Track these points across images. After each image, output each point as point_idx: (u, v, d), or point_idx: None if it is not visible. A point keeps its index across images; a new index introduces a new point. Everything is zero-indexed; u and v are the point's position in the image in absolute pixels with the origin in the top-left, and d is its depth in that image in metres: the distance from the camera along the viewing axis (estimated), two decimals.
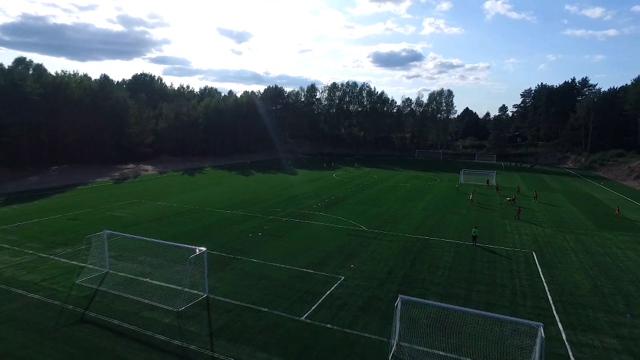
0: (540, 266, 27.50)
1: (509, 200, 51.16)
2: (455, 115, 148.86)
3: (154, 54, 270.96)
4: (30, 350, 16.54)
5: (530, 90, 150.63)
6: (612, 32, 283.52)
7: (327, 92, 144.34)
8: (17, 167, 71.83)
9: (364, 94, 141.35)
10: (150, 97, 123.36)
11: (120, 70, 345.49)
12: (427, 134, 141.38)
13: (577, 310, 20.97)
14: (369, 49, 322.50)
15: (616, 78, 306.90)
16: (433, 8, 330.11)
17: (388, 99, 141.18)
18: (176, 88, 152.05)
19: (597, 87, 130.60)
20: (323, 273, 25.47)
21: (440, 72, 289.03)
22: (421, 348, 16.95)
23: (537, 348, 14.32)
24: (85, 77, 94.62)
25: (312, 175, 77.46)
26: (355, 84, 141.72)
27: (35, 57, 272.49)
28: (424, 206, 48.05)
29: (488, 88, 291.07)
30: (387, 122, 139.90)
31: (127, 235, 25.95)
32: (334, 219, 40.10)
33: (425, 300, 17.28)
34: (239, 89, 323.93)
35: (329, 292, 22.60)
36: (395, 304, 16.81)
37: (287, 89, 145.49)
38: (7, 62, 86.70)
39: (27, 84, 74.60)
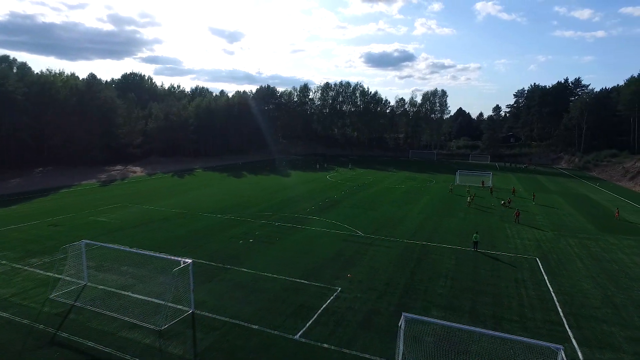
0: (545, 274, 26.19)
1: (504, 203, 49.97)
2: (448, 116, 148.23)
3: (145, 53, 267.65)
4: None
5: (523, 90, 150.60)
6: (600, 33, 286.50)
7: (320, 92, 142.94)
8: None
9: (358, 94, 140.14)
10: (139, 97, 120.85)
11: (111, 70, 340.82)
12: (421, 135, 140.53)
13: (591, 324, 19.63)
14: (361, 49, 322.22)
15: (605, 79, 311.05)
16: (425, 9, 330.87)
17: (382, 99, 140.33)
18: (167, 88, 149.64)
19: (589, 87, 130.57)
20: (318, 284, 23.88)
21: (432, 73, 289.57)
22: None
23: None
24: (72, 77, 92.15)
25: (305, 176, 75.83)
26: (348, 84, 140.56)
27: (24, 57, 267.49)
28: (420, 209, 46.69)
29: (479, 88, 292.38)
30: (381, 122, 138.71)
31: (106, 245, 24.10)
32: (328, 224, 38.54)
33: (431, 319, 15.81)
34: (231, 89, 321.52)
35: (324, 305, 21.01)
36: (399, 323, 15.28)
37: (280, 89, 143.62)
38: None
39: (9, 82, 72.00)
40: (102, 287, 22.86)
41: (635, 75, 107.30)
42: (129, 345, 16.98)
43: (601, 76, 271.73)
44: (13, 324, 18.59)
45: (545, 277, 25.60)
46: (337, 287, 23.39)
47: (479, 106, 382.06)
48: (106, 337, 17.55)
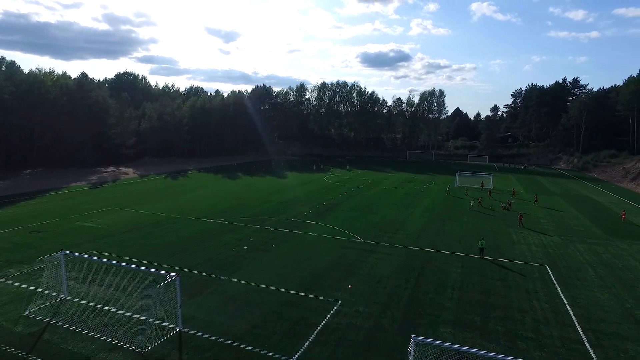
0: (557, 284, 24.70)
1: (503, 206, 48.50)
2: (445, 116, 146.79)
3: (140, 53, 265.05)
4: None
5: (520, 90, 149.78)
6: (594, 34, 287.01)
7: (316, 91, 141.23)
8: None
9: (354, 94, 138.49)
10: (133, 97, 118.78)
11: (106, 70, 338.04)
12: (419, 135, 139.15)
13: (613, 342, 18.12)
14: (358, 49, 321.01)
15: (599, 79, 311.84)
16: (420, 9, 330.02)
17: (379, 99, 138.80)
18: (161, 87, 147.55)
19: (588, 87, 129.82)
20: (317, 296, 22.24)
21: (427, 73, 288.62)
22: None
23: None
24: (63, 76, 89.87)
25: (302, 178, 74.17)
26: (345, 83, 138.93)
27: (18, 56, 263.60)
28: (421, 212, 45.17)
29: (475, 89, 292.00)
30: (378, 122, 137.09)
31: (86, 256, 22.28)
32: (326, 229, 36.90)
33: (444, 343, 14.19)
34: (227, 89, 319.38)
35: (324, 322, 19.37)
36: (408, 349, 13.67)
37: (276, 89, 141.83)
38: None
39: None
40: (82, 301, 21.10)
41: (634, 75, 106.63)
42: None
43: (595, 76, 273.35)
44: None
45: (558, 288, 24.09)
46: (337, 300, 21.76)
47: (474, 106, 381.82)
48: None
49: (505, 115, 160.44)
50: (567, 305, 21.66)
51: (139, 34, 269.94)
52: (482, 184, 65.56)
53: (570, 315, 20.50)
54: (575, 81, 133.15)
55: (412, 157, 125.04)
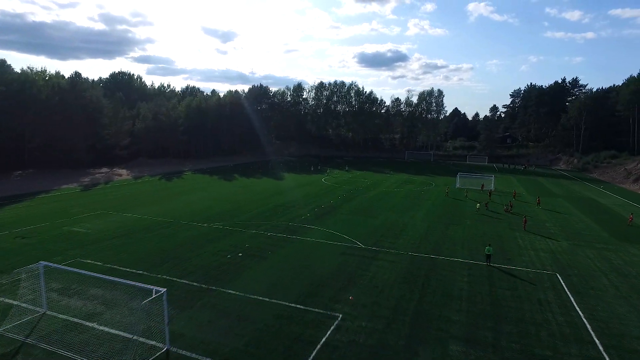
0: (571, 294, 23.33)
1: (506, 208, 47.11)
2: (442, 116, 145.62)
3: (137, 53, 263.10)
4: None
5: (519, 90, 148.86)
6: (590, 34, 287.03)
7: (314, 91, 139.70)
8: None
9: (352, 94, 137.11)
10: (128, 97, 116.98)
11: (102, 70, 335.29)
12: (417, 135, 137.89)
13: None
14: (355, 50, 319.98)
15: (594, 80, 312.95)
16: (418, 9, 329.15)
17: (377, 98, 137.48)
18: (157, 87, 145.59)
19: (587, 87, 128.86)
20: (316, 309, 20.77)
21: (425, 73, 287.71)
22: None
23: None
24: (55, 75, 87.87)
25: (299, 179, 72.68)
26: (343, 83, 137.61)
27: (14, 56, 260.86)
28: (423, 216, 43.78)
29: (472, 89, 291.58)
30: (376, 122, 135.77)
31: (66, 268, 20.70)
32: (325, 234, 35.43)
33: None
34: (224, 89, 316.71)
35: (324, 339, 17.90)
36: None
37: (273, 89, 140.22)
38: None
39: None
40: (63, 316, 19.54)
41: (632, 75, 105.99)
42: None
43: (591, 77, 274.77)
44: None
45: (572, 298, 22.73)
46: (337, 314, 20.29)
47: (471, 106, 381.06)
48: None
49: (503, 115, 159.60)
50: (584, 319, 20.28)
51: (135, 33, 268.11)
52: (482, 185, 64.29)
53: (589, 330, 19.11)
54: (575, 81, 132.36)
55: (411, 158, 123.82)
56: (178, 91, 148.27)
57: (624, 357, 16.96)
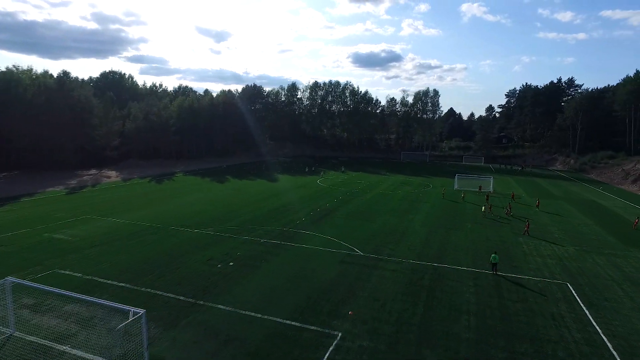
0: (585, 307, 21.80)
1: (507, 211, 45.59)
2: (438, 116, 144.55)
3: (130, 52, 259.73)
4: None
5: (514, 90, 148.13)
6: (581, 35, 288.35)
7: (308, 91, 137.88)
8: None
9: (347, 94, 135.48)
10: (119, 97, 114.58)
11: (95, 70, 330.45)
12: (413, 135, 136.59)
13: None
14: (349, 50, 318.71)
15: (586, 80, 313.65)
16: (412, 9, 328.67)
17: (372, 98, 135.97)
18: (148, 87, 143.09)
19: (583, 87, 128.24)
20: (313, 327, 19.05)
21: (418, 73, 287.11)
22: None
23: None
24: (43, 74, 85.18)
25: (294, 181, 70.89)
26: (338, 83, 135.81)
27: (4, 55, 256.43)
28: (422, 220, 42.21)
29: (465, 89, 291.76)
30: (371, 122, 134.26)
31: (34, 285, 18.74)
32: (322, 240, 33.70)
33: None
34: (218, 89, 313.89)
35: None
36: None
37: (267, 89, 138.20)
38: None
39: None
40: (32, 337, 17.63)
41: (627, 75, 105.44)
42: None
43: (583, 77, 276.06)
44: None
45: (586, 311, 21.21)
46: (336, 332, 18.58)
47: (464, 106, 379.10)
48: None
49: (498, 115, 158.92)
50: (602, 335, 18.77)
51: (128, 33, 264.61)
52: (480, 187, 62.89)
53: (610, 349, 17.58)
54: (570, 81, 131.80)
55: (407, 159, 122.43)
56: (170, 91, 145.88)
57: None
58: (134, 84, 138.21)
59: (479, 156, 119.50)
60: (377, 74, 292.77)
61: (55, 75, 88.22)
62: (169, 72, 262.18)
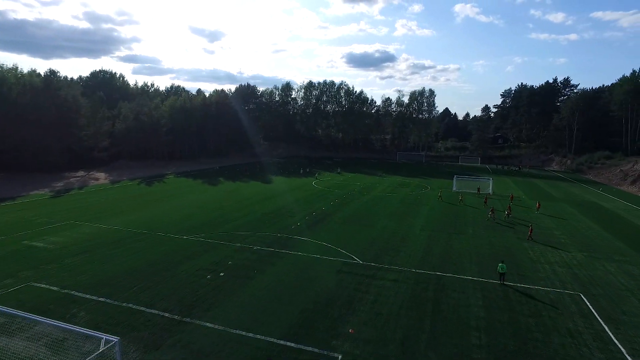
0: (603, 321, 20.27)
1: (508, 213, 44.08)
2: (434, 116, 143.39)
3: (123, 52, 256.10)
4: None
5: (510, 90, 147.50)
6: (573, 36, 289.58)
7: (303, 91, 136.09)
8: None
9: (342, 93, 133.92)
10: (110, 96, 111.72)
11: (87, 69, 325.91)
12: (409, 135, 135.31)
13: None
14: (343, 50, 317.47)
15: (578, 81, 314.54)
16: (405, 10, 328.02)
17: (367, 98, 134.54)
18: (140, 86, 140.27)
19: (579, 87, 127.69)
20: (310, 348, 17.30)
21: (412, 73, 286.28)
22: None
23: None
24: (29, 73, 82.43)
25: (289, 183, 69.08)
26: (332, 83, 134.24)
27: None
28: (422, 224, 40.61)
29: (458, 89, 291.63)
30: (366, 122, 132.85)
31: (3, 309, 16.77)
32: (318, 247, 31.95)
33: None
34: (212, 89, 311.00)
35: None
36: None
37: (261, 89, 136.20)
38: None
39: None
40: None
41: (627, 75, 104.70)
42: None
43: (575, 78, 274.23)
44: None
45: (605, 327, 19.67)
46: (336, 354, 16.86)
47: (457, 106, 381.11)
48: None
49: (493, 115, 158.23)
50: (627, 355, 17.22)
51: (121, 32, 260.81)
52: (479, 188, 61.42)
53: None
54: (566, 81, 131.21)
55: (403, 159, 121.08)
56: (162, 90, 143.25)
57: None
58: (125, 84, 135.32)
59: (475, 157, 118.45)
60: (371, 74, 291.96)
61: (42, 74, 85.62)
62: (162, 72, 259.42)
